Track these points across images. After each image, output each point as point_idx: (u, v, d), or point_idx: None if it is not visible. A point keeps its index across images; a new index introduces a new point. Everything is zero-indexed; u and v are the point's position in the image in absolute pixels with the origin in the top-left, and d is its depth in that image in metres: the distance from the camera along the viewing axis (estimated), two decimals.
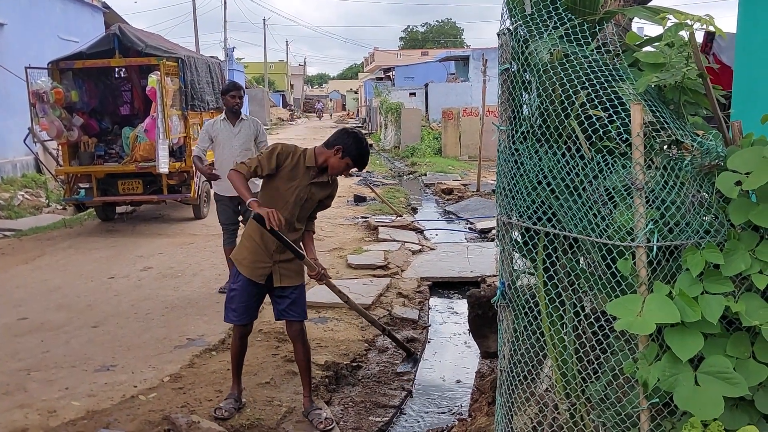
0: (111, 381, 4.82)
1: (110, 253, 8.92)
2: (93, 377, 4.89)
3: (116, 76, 11.99)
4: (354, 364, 5.34)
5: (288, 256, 4.06)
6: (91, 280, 7.61)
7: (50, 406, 4.41)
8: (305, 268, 4.20)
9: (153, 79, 9.64)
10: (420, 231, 10.73)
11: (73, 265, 8.28)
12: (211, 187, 7.14)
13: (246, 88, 39.38)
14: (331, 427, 4.21)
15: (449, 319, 6.85)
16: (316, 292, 6.93)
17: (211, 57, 14.04)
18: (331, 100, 73.76)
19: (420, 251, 9.23)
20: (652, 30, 2.77)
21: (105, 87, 11.68)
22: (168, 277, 7.70)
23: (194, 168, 10.43)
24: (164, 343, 5.60)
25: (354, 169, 4.11)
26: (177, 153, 10.41)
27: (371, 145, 29.42)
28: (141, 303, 6.70)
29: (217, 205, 6.68)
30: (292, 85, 72.96)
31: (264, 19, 63.87)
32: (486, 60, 15.16)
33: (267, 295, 4.26)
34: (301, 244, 4.18)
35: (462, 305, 6.79)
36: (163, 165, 9.67)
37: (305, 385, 4.36)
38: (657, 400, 2.39)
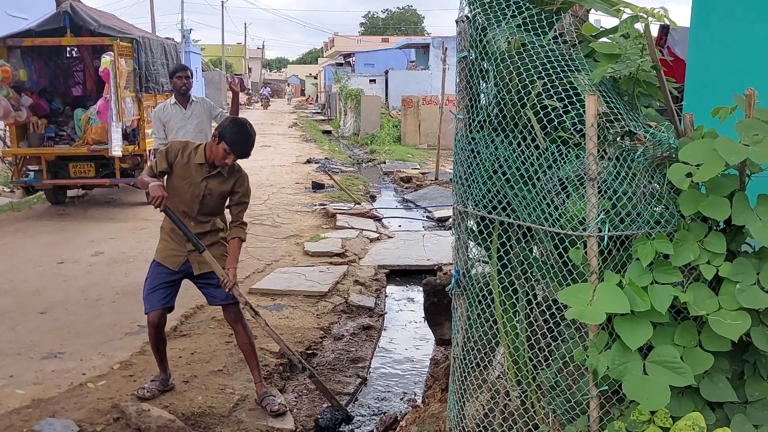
0: (58, 368, 4.70)
1: (60, 238, 8.68)
2: (39, 365, 4.76)
3: (68, 55, 11.63)
4: (309, 352, 5.31)
5: (202, 239, 4.04)
6: (39, 265, 7.40)
7: None
8: (227, 253, 4.14)
9: (106, 59, 9.39)
10: (378, 219, 10.72)
11: (21, 250, 8.04)
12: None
13: (203, 71, 38.77)
14: (284, 411, 4.18)
15: (406, 307, 6.87)
16: (272, 279, 6.88)
17: (167, 38, 13.73)
18: (289, 84, 72.64)
19: (378, 239, 9.22)
20: (609, 22, 2.79)
21: (56, 67, 11.32)
22: (119, 262, 7.54)
23: (152, 157, 10.29)
24: (115, 329, 5.48)
25: (231, 157, 3.91)
26: (130, 136, 10.18)
27: (330, 132, 29.29)
28: (91, 289, 6.54)
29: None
30: (250, 69, 71.89)
31: (222, 1, 62.73)
32: (446, 48, 15.20)
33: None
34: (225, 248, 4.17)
35: (418, 293, 6.81)
36: (116, 148, 9.45)
37: (254, 370, 4.32)
38: (606, 387, 2.42)
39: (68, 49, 11.30)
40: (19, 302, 6.12)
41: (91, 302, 6.16)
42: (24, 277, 6.93)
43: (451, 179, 3.08)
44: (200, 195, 4.01)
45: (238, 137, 3.90)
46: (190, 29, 35.15)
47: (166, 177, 4.04)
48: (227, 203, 4.18)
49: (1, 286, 6.60)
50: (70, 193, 11.25)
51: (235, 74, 56.55)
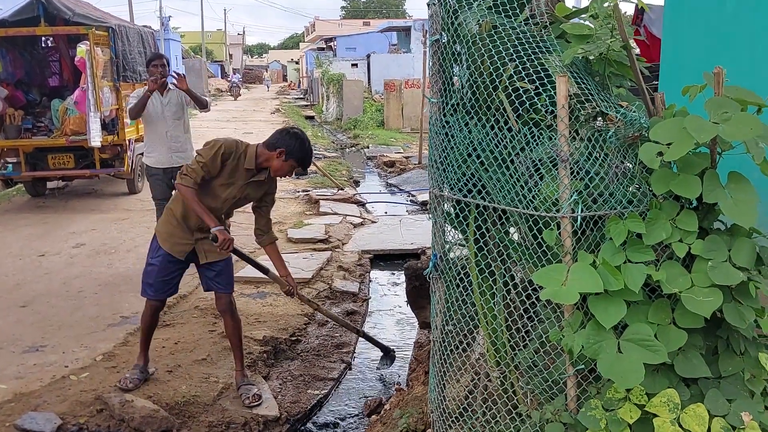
0: (40, 362, 4.68)
1: (41, 230, 8.60)
2: (21, 358, 4.73)
3: (43, 45, 11.46)
4: (293, 339, 5.33)
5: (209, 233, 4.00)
6: (19, 258, 7.34)
7: None
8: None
9: (82, 49, 9.25)
10: (362, 204, 10.72)
11: (1, 243, 7.96)
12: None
13: (183, 58, 38.37)
14: (257, 403, 4.19)
15: (389, 291, 6.89)
16: None
17: (144, 26, 13.55)
18: (267, 70, 71.84)
19: (361, 224, 9.22)
20: (582, 2, 2.78)
21: (31, 57, 11.15)
22: (101, 253, 7.49)
23: (132, 147, 10.19)
24: (97, 321, 5.46)
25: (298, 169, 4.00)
26: (109, 126, 10.05)
27: (313, 117, 29.14)
28: (73, 281, 6.50)
29: (150, 179, 6.47)
30: (230, 55, 71.26)
31: None
32: (427, 31, 15.11)
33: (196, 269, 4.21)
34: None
35: (402, 277, 6.83)
36: (95, 138, 9.33)
37: (237, 358, 4.34)
38: (583, 366, 2.45)
39: (43, 38, 11.13)
40: None
41: (73, 294, 6.13)
42: (4, 270, 6.87)
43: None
44: (237, 197, 3.96)
45: (305, 153, 3.90)
46: (169, 16, 34.76)
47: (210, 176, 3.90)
48: (255, 204, 4.15)
49: None
50: (49, 185, 11.13)
51: (215, 60, 55.95)
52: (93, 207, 10.10)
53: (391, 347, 5.15)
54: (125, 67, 10.34)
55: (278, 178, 4.11)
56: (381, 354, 5.11)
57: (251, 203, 4.14)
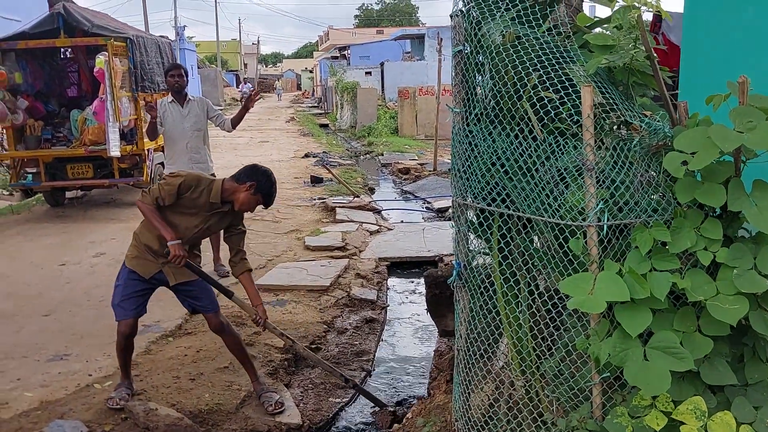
0: (65, 370, 4.73)
1: (61, 240, 8.70)
2: (46, 367, 4.79)
3: (62, 56, 11.61)
4: (313, 346, 5.35)
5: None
6: (41, 267, 7.43)
7: (2, 397, 4.30)
8: (200, 262, 4.19)
9: (101, 59, 9.37)
10: (377, 211, 10.75)
11: (22, 253, 8.06)
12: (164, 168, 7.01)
13: (198, 67, 38.68)
14: (280, 410, 4.20)
15: (407, 299, 6.91)
16: (274, 275, 6.91)
17: (161, 36, 13.71)
18: (279, 79, 71.99)
19: (378, 231, 9.25)
20: (604, 10, 2.81)
21: (51, 68, 11.31)
22: (121, 262, 7.52)
23: (151, 157, 10.29)
24: None
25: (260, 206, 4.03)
26: (128, 136, 10.17)
27: (327, 125, 29.24)
28: (94, 290, 6.57)
29: None
30: (245, 65, 71.82)
31: None
32: (441, 39, 15.15)
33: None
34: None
35: (420, 284, 6.85)
36: (114, 148, 9.44)
37: (248, 371, 4.35)
38: (608, 374, 2.46)
39: (62, 50, 11.28)
40: (22, 305, 6.15)
41: (94, 303, 6.19)
42: (26, 280, 6.95)
43: (449, 170, 3.11)
44: (199, 227, 3.99)
45: (271, 190, 3.97)
46: (184, 26, 35.16)
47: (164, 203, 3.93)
48: (225, 235, 4.16)
49: (3, 289, 6.63)
50: (69, 194, 11.27)
51: (230, 70, 55.62)
52: (112, 216, 10.20)
53: (387, 403, 4.60)
54: (143, 77, 10.45)
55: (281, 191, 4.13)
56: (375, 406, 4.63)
57: (226, 235, 4.15)
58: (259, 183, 3.91)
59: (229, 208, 3.99)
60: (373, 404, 4.57)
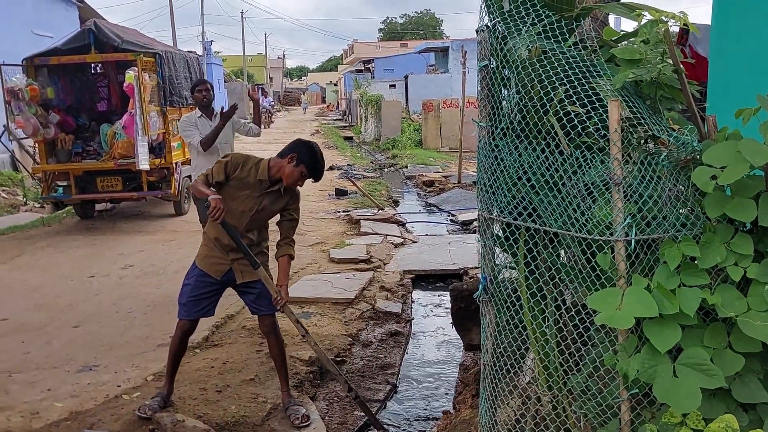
0: (94, 381, 4.80)
1: (90, 252, 8.84)
2: (75, 378, 4.86)
3: (92, 72, 11.85)
4: (338, 359, 5.36)
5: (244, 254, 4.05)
6: (71, 279, 7.55)
7: (33, 408, 4.38)
8: (266, 261, 4.21)
9: (130, 75, 9.55)
10: (402, 224, 10.76)
11: (53, 265, 8.21)
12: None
13: (225, 81, 39.11)
14: (306, 424, 4.19)
15: (432, 312, 6.89)
16: (299, 287, 6.94)
17: (189, 51, 13.92)
18: (304, 93, 72.47)
19: (402, 244, 9.26)
20: (630, 24, 2.80)
21: (81, 83, 11.54)
22: (149, 274, 7.66)
23: (179, 170, 10.42)
24: (147, 341, 5.58)
25: (305, 179, 4.03)
26: (156, 149, 10.33)
27: (351, 138, 29.35)
28: (122, 301, 6.66)
29: (197, 202, 6.62)
30: (271, 78, 72.50)
31: (242, 12, 63.52)
32: (465, 51, 15.20)
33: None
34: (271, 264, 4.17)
35: (445, 297, 6.83)
36: (144, 161, 9.60)
37: (282, 379, 4.38)
38: (637, 390, 2.43)
39: (93, 65, 11.52)
40: (53, 316, 6.25)
41: (122, 315, 6.28)
42: (57, 291, 7.07)
43: (474, 182, 3.11)
44: (253, 209, 4.01)
45: (315, 160, 3.97)
46: (211, 41, 35.59)
47: (220, 187, 4.01)
48: (278, 219, 4.20)
49: (35, 300, 6.75)
50: (98, 207, 11.45)
51: (256, 84, 55.82)
52: (140, 229, 10.34)
53: (385, 427, 4.44)
54: (172, 91, 10.62)
55: (299, 196, 4.15)
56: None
57: (279, 219, 4.18)
58: (299, 154, 3.92)
59: (279, 187, 4.00)
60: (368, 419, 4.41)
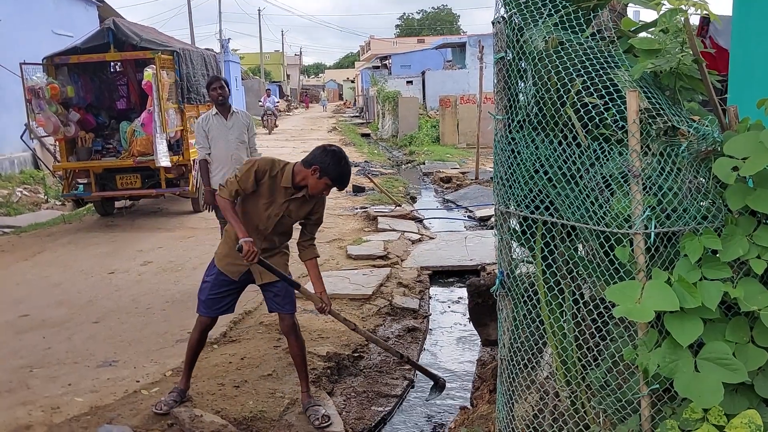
0: (113, 376, 4.83)
1: (110, 248, 8.92)
2: (95, 373, 4.90)
3: (112, 70, 11.96)
4: (356, 355, 5.36)
5: (266, 254, 4.04)
6: (91, 275, 7.62)
7: (53, 402, 4.42)
8: (287, 261, 4.24)
9: (149, 72, 9.61)
10: (419, 220, 10.73)
11: (73, 261, 8.29)
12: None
13: (242, 79, 39.24)
14: (327, 424, 4.16)
15: (450, 308, 6.86)
16: None
17: (207, 49, 13.98)
18: (323, 90, 72.75)
19: (419, 240, 9.23)
20: (649, 14, 2.76)
21: (101, 82, 11.65)
22: (168, 271, 7.71)
23: (197, 168, 10.47)
24: (166, 337, 5.61)
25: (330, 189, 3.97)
26: (175, 146, 10.40)
27: (368, 135, 29.36)
28: (141, 298, 6.71)
29: (214, 210, 6.63)
30: (288, 76, 72.68)
31: (259, 10, 63.66)
32: (482, 46, 15.09)
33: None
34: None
35: (462, 293, 6.80)
36: (163, 159, 9.66)
37: (302, 379, 4.37)
38: (657, 386, 2.40)
39: (112, 64, 11.61)
40: (73, 312, 6.31)
41: (141, 311, 6.32)
42: (77, 287, 7.14)
43: (491, 178, 3.08)
44: (279, 215, 3.99)
45: (340, 171, 3.86)
46: (229, 39, 35.70)
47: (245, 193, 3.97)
48: (302, 222, 4.18)
49: (56, 297, 6.82)
50: (117, 204, 11.55)
51: (273, 81, 55.86)
52: (159, 225, 10.41)
53: (440, 376, 4.78)
54: (189, 89, 10.67)
55: (325, 200, 4.13)
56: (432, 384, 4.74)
57: (303, 222, 4.17)
58: (323, 166, 3.81)
59: (304, 193, 3.96)
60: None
